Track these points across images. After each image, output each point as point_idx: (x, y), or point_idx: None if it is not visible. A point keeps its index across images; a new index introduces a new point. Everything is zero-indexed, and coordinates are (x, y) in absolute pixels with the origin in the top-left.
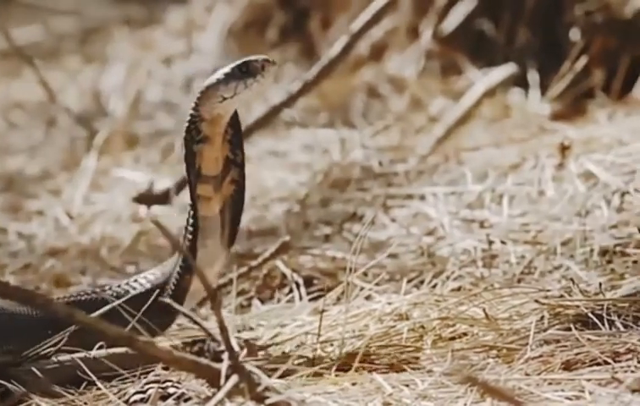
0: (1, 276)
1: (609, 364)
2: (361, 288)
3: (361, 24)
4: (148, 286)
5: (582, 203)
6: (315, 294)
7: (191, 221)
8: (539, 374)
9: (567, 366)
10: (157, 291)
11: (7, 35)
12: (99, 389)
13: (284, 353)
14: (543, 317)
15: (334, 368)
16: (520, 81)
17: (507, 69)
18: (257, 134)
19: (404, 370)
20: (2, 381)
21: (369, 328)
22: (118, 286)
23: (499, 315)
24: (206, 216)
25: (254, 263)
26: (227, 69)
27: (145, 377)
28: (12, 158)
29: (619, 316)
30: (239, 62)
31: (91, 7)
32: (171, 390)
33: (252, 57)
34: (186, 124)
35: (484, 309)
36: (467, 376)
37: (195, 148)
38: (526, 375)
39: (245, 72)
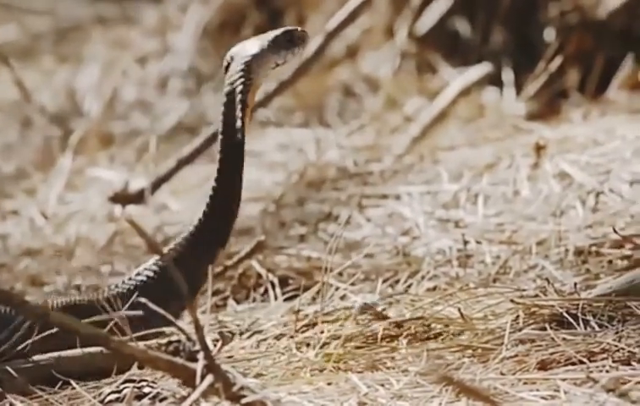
0: None
1: (584, 363)
2: (337, 288)
3: (336, 24)
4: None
5: (557, 203)
6: (290, 294)
7: None
8: (514, 373)
9: (542, 366)
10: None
11: None
12: (74, 389)
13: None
14: (518, 317)
15: (310, 367)
16: (495, 81)
17: (482, 69)
18: None
19: (379, 369)
20: None
21: (344, 328)
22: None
23: (475, 314)
24: None
25: (229, 262)
26: (271, 38)
27: (120, 377)
28: None
29: (594, 316)
30: (282, 30)
31: (65, 6)
32: (146, 389)
33: (292, 28)
34: (237, 90)
35: (459, 309)
36: (443, 376)
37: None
38: (502, 374)
39: (289, 41)
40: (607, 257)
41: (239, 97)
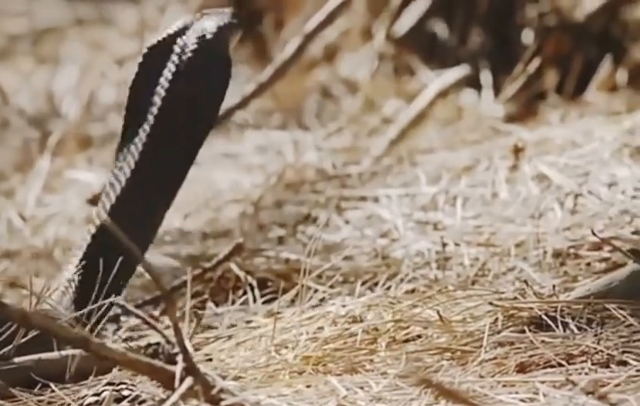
0: None
1: (563, 366)
2: (316, 291)
3: (314, 26)
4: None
5: (535, 205)
6: (269, 296)
7: None
8: (493, 376)
9: (521, 368)
10: None
11: None
12: (53, 392)
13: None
14: (497, 319)
15: (289, 370)
16: (473, 83)
17: (460, 71)
18: (210, 136)
19: (358, 372)
20: None
21: (323, 330)
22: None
23: (453, 317)
24: None
25: (208, 265)
26: (228, 14)
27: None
28: None
29: (573, 319)
30: (232, 10)
31: (42, 8)
32: (125, 392)
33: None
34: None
35: (438, 312)
36: (422, 378)
37: None
38: (481, 377)
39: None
40: (585, 259)
41: None
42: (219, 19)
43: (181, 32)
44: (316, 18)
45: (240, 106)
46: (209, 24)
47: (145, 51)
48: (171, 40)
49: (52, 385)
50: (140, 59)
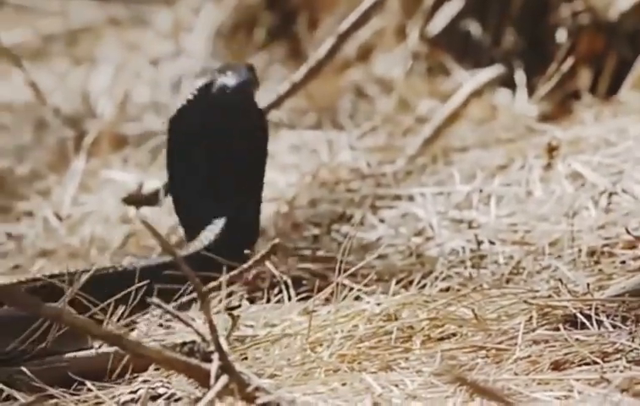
0: None
1: (597, 363)
2: (350, 289)
3: (348, 25)
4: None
5: (569, 203)
6: (304, 295)
7: None
8: (528, 374)
9: (556, 366)
10: None
11: None
12: (90, 390)
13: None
14: (531, 317)
15: (324, 368)
16: (507, 82)
17: (494, 70)
18: None
19: (393, 370)
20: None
21: (358, 329)
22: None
23: (488, 315)
24: None
25: (245, 265)
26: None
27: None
28: (1, 160)
29: (607, 316)
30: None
31: (77, 8)
32: (161, 390)
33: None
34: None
35: (473, 310)
36: (456, 376)
37: None
38: (515, 375)
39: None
40: (620, 257)
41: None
42: (240, 74)
43: (206, 90)
44: (350, 17)
45: (274, 105)
46: (231, 81)
47: (173, 115)
48: (198, 100)
49: (88, 383)
50: (169, 124)
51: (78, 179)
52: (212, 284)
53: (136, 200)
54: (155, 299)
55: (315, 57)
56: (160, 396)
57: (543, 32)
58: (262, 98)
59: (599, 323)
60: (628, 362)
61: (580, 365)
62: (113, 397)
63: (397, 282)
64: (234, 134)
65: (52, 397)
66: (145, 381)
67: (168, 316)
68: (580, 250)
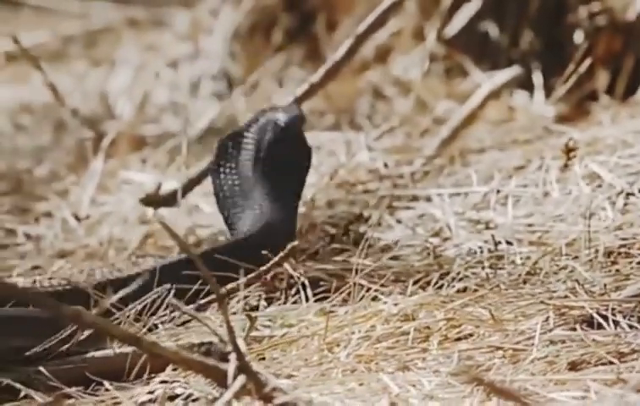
0: (9, 277)
1: (614, 364)
2: (368, 289)
3: (366, 27)
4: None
5: (586, 204)
6: (321, 295)
7: None
8: (545, 374)
9: (573, 366)
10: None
11: (14, 38)
12: (108, 390)
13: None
14: (548, 318)
15: (341, 368)
16: (524, 83)
17: (511, 72)
18: None
19: (410, 370)
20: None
21: (375, 329)
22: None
23: (505, 315)
24: None
25: (263, 268)
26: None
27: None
28: (20, 161)
29: (624, 317)
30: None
31: (96, 10)
32: (179, 390)
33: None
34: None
35: (490, 310)
36: (473, 377)
37: None
38: (532, 375)
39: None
40: (637, 258)
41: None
42: (291, 110)
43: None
44: (368, 19)
45: None
46: (283, 116)
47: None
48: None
49: (106, 383)
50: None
51: (96, 180)
52: (230, 285)
53: (154, 200)
54: (173, 300)
55: (333, 59)
56: (178, 396)
57: (561, 33)
58: (281, 99)
59: (616, 323)
60: None
61: (596, 366)
62: (131, 397)
63: (414, 283)
64: (289, 159)
65: (69, 397)
66: (162, 382)
67: (186, 317)
68: (597, 251)
